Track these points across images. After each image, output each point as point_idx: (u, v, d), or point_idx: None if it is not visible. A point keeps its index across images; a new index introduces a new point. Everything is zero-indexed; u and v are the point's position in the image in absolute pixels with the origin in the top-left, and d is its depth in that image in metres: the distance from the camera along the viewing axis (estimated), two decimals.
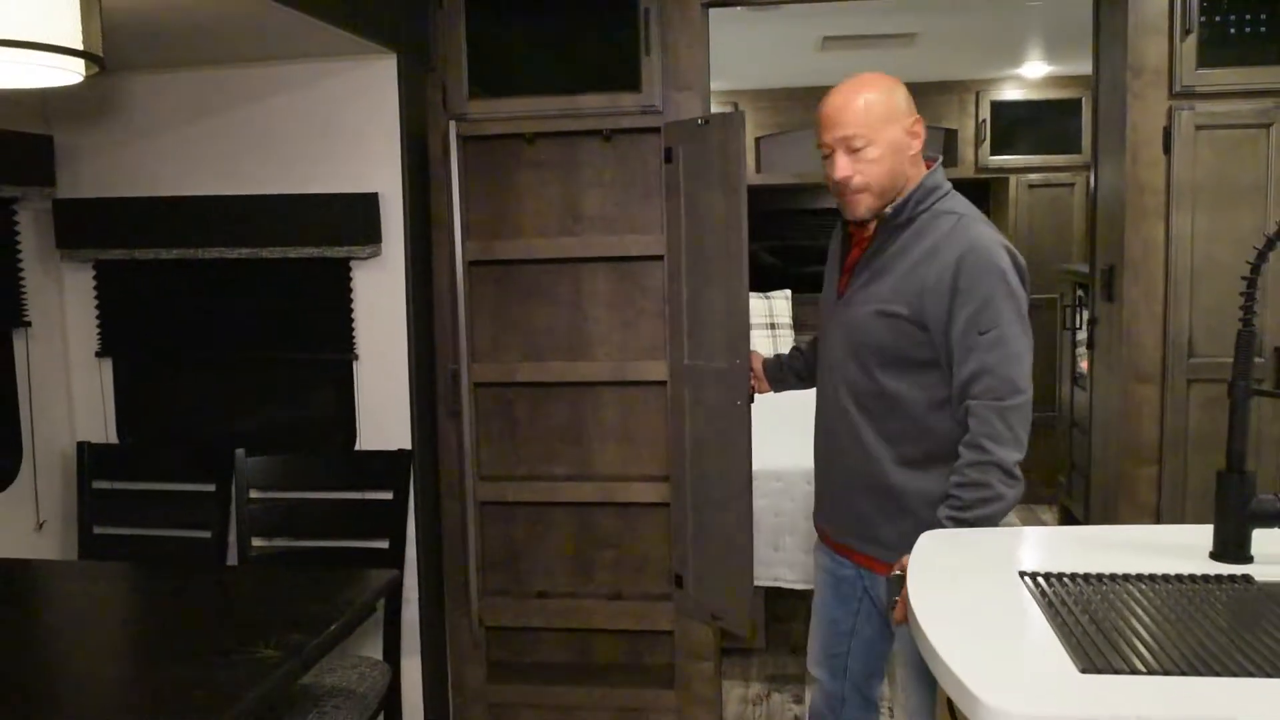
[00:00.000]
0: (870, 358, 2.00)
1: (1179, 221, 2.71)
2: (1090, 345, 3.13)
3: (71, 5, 1.63)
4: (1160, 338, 2.74)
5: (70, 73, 1.83)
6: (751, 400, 2.60)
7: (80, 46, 1.71)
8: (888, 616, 1.97)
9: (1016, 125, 5.39)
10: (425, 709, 2.90)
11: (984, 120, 5.38)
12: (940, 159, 2.05)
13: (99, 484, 2.91)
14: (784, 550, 3.59)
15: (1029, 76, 5.28)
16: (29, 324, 2.78)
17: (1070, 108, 5.31)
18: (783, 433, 3.50)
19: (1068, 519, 4.93)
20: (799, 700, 3.42)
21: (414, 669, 2.86)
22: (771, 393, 2.58)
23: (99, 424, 2.95)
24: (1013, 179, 5.39)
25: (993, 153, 5.39)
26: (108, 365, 2.95)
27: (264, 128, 2.79)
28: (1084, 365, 4.63)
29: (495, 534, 3.09)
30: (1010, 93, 5.38)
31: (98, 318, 2.93)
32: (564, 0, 2.88)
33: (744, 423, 2.62)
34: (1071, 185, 5.35)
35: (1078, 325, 4.73)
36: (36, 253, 2.82)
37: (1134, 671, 1.21)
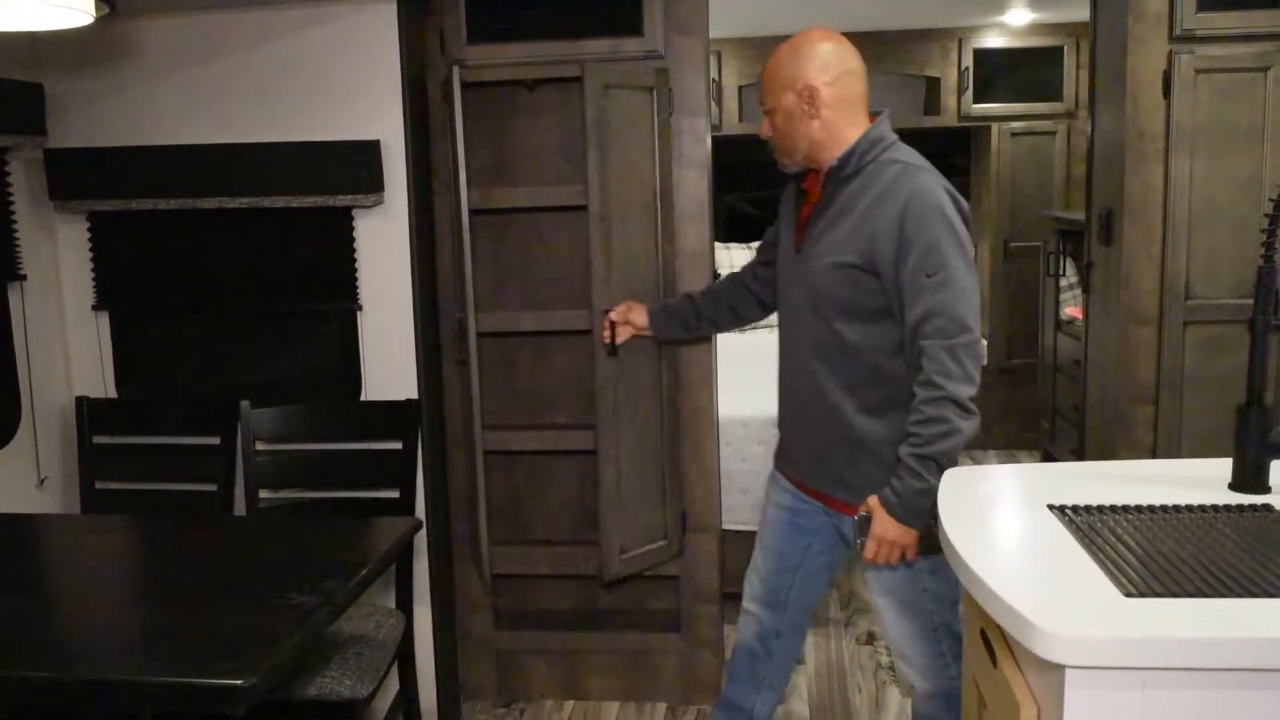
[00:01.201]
0: (829, 310, 2.06)
1: (1178, 165, 2.74)
2: (1086, 289, 3.18)
3: None
4: (1158, 280, 2.79)
5: (80, 13, 1.79)
6: (613, 351, 2.65)
7: None
8: (858, 554, 2.04)
9: (999, 73, 5.39)
10: (436, 657, 2.93)
11: (966, 68, 5.37)
12: (885, 112, 2.09)
13: (99, 439, 2.88)
14: (751, 493, 3.63)
15: (1012, 24, 5.27)
16: (24, 278, 2.73)
17: (1053, 56, 5.31)
18: (748, 380, 3.51)
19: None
20: None
21: (424, 617, 2.88)
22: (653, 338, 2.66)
23: (97, 379, 2.91)
24: (995, 127, 5.40)
25: (975, 101, 5.39)
26: (104, 319, 2.90)
27: (262, 74, 2.73)
28: (1069, 311, 4.70)
29: (499, 483, 3.09)
30: (993, 40, 5.37)
31: (93, 270, 2.88)
32: None
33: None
34: (1054, 134, 5.37)
35: (1061, 271, 4.78)
36: (29, 204, 2.76)
37: (1177, 594, 1.25)
